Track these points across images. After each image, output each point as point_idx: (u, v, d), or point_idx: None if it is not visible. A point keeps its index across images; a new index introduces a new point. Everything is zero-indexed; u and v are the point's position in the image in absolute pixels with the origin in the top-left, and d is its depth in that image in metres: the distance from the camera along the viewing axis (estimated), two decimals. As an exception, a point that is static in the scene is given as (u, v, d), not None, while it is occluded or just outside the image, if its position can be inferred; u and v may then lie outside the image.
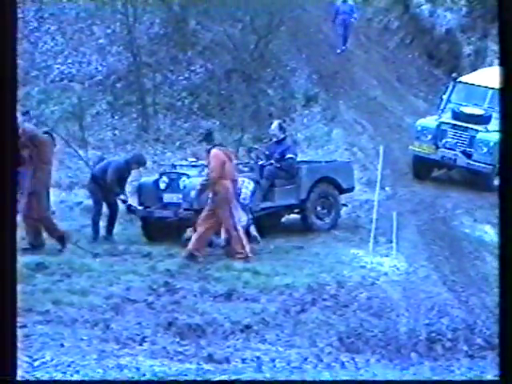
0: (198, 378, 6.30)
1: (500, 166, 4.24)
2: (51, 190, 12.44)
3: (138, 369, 6.51)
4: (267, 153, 14.13)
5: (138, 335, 7.82)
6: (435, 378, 6.98)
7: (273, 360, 7.12)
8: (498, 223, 4.04)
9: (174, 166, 14.20)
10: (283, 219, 14.59)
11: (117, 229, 13.88)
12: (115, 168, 13.30)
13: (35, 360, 6.57)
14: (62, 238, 11.75)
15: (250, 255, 11.43)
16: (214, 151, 11.86)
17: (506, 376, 3.90)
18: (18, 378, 3.97)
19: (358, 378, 6.62)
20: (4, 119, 3.40)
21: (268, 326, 8.29)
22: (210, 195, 11.78)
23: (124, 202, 13.16)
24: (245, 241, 11.55)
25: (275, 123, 14.74)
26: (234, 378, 6.30)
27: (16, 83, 3.45)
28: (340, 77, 21.97)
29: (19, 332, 7.63)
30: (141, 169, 14.34)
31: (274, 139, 14.32)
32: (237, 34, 21.76)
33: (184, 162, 14.81)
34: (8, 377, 3.52)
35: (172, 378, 6.24)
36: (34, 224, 11.45)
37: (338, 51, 22.54)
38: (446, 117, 16.72)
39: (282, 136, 14.26)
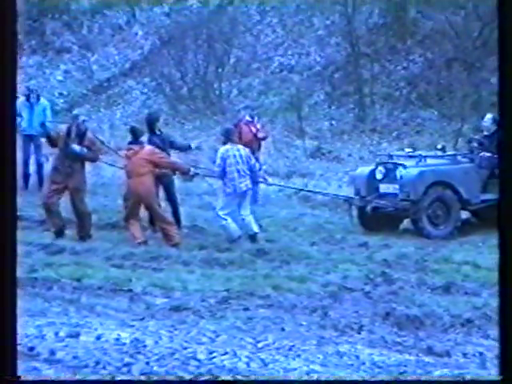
0: (418, 371, 6.21)
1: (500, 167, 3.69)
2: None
3: (357, 357, 6.47)
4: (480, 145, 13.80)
5: (355, 323, 7.80)
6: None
7: (498, 357, 6.88)
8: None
9: (391, 157, 14.10)
10: (504, 212, 14.13)
11: (334, 218, 14.00)
12: None
13: (259, 342, 6.70)
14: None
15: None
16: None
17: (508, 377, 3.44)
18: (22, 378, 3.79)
19: None
20: (4, 117, 3.31)
21: (491, 322, 8.01)
22: None
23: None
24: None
25: (489, 116, 14.36)
26: (456, 372, 6.16)
27: (16, 81, 3.34)
28: None
29: (242, 314, 7.87)
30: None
31: (485, 132, 14.01)
32: (459, 21, 21.21)
33: (401, 153, 14.70)
34: (8, 377, 3.41)
35: (392, 369, 6.19)
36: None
37: None
38: None
39: (494, 129, 13.92)
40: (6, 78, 3.22)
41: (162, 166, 11.88)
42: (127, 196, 11.85)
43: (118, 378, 5.63)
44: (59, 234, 11.68)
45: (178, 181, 12.97)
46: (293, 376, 5.73)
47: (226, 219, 11.73)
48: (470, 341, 7.34)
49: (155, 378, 5.16)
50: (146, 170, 11.56)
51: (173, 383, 4.66)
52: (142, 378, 5.71)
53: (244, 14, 23.71)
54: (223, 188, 11.97)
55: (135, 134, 11.96)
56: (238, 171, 11.76)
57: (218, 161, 11.94)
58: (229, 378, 4.64)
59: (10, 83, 3.24)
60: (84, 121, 12.29)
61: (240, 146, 12.15)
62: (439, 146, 14.28)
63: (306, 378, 5.71)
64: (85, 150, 11.74)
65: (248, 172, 11.87)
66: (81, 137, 11.85)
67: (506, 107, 3.04)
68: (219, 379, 4.57)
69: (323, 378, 4.62)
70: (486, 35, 20.62)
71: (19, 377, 3.59)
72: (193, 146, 14.62)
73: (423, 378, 5.06)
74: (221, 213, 11.79)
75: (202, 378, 4.67)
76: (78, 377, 5.77)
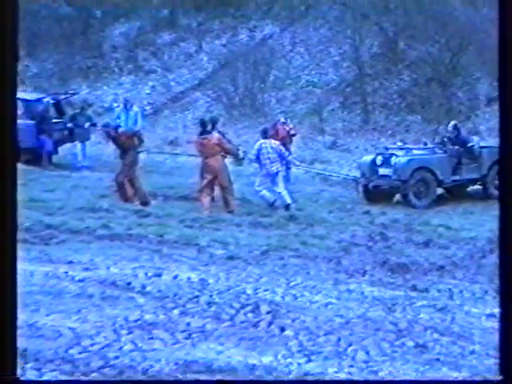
0: (406, 302, 6.14)
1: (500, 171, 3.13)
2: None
3: (362, 293, 6.43)
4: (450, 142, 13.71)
5: (361, 269, 7.75)
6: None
7: (461, 291, 6.81)
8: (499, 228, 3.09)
9: (387, 149, 13.98)
10: (468, 189, 13.97)
11: (345, 193, 13.91)
12: None
13: (290, 282, 6.69)
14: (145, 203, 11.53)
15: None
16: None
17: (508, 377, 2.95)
18: (22, 378, 2.88)
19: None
20: (5, 117, 2.61)
21: (457, 267, 7.94)
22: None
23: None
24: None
25: (452, 123, 14.25)
26: (432, 303, 6.10)
27: (16, 82, 2.67)
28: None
29: (279, 262, 7.85)
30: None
31: (449, 134, 13.91)
32: (435, 51, 20.95)
33: (394, 146, 14.57)
34: (8, 377, 2.61)
35: (387, 301, 6.14)
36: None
37: None
38: None
39: (456, 133, 13.85)
40: (6, 78, 2.57)
41: (224, 149, 11.74)
42: (204, 171, 11.54)
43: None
44: (144, 205, 11.52)
45: (231, 166, 12.94)
46: (315, 306, 5.70)
47: (261, 191, 11.73)
48: (442, 281, 7.27)
49: (155, 377, 4.42)
50: (217, 151, 11.43)
51: (173, 383, 4.07)
52: (205, 306, 5.66)
53: (280, 44, 23.52)
54: (260, 171, 11.96)
55: (204, 125, 11.78)
56: (269, 158, 11.71)
57: (254, 151, 11.97)
58: (230, 377, 4.21)
59: (11, 83, 2.59)
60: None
61: (271, 140, 12.10)
62: (422, 142, 14.15)
63: (324, 309, 5.65)
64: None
65: (278, 158, 11.82)
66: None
67: (506, 107, 2.79)
68: (219, 379, 4.06)
69: (322, 378, 4.41)
70: (454, 62, 20.43)
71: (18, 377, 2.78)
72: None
73: (420, 378, 4.67)
74: (257, 188, 11.79)
75: (202, 378, 4.25)
76: (159, 304, 5.76)
